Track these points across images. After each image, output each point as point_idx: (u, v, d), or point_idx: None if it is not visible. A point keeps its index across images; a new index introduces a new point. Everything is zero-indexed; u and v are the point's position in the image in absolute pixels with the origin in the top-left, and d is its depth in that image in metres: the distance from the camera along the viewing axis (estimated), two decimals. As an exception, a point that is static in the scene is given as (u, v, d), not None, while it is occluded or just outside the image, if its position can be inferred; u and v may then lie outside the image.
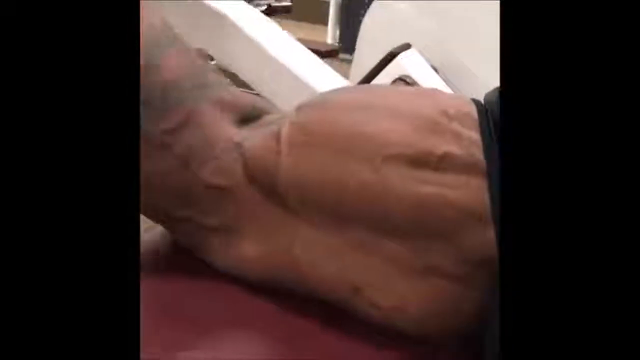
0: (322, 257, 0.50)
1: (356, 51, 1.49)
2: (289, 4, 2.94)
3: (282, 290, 0.52)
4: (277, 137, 0.51)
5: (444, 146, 0.48)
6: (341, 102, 0.53)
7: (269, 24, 1.24)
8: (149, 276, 0.51)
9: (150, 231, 0.58)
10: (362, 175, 0.48)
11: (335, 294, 0.50)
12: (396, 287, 0.49)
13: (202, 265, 0.54)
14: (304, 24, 3.84)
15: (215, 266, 0.54)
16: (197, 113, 0.52)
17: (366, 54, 1.39)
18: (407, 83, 1.13)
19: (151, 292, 0.48)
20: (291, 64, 1.10)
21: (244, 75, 1.20)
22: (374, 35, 1.42)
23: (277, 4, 2.85)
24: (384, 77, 1.16)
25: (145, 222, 0.49)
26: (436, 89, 0.65)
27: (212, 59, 1.15)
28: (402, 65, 1.17)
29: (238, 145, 0.53)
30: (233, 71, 1.19)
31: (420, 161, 0.48)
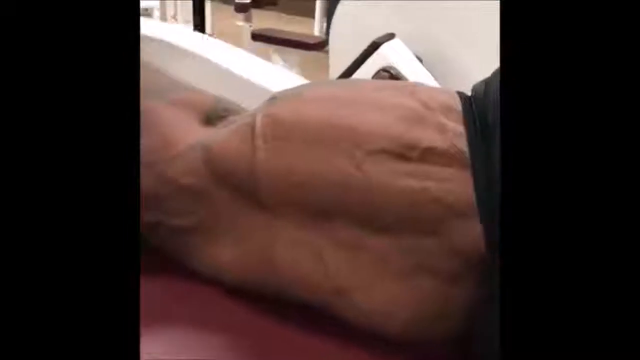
0: (303, 257, 0.48)
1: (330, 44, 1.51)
2: (275, -5, 2.93)
3: (261, 294, 0.50)
4: (251, 130, 0.49)
5: (428, 138, 0.47)
6: (319, 96, 0.51)
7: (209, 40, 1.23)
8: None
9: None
10: (345, 169, 0.46)
11: (317, 296, 0.48)
12: (382, 289, 0.47)
13: (178, 268, 0.52)
14: (292, 17, 3.85)
15: (191, 268, 0.52)
16: (152, 112, 0.50)
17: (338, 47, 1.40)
18: (392, 75, 1.11)
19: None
20: (237, 69, 1.08)
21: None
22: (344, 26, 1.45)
23: (262, -5, 2.84)
24: (368, 68, 1.13)
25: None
26: (418, 83, 0.63)
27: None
28: (385, 55, 1.15)
29: (203, 144, 0.51)
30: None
31: (404, 154, 0.46)
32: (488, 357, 0.43)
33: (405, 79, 1.11)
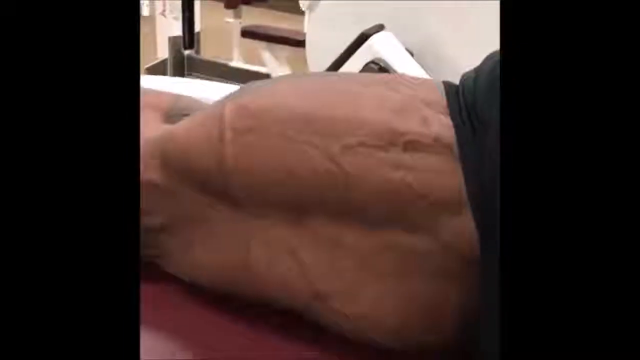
0: (280, 258, 0.44)
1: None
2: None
3: (237, 298, 0.47)
4: (219, 122, 0.45)
5: (412, 129, 0.43)
6: (293, 87, 0.48)
7: None
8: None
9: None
10: (322, 163, 0.43)
11: (296, 300, 0.45)
12: (367, 291, 0.43)
13: (150, 270, 0.49)
14: (282, 14, 3.87)
15: (163, 270, 0.50)
16: None
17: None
18: (381, 67, 1.08)
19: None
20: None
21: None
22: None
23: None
24: (356, 60, 1.10)
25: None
26: (403, 74, 0.60)
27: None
28: (374, 47, 1.12)
29: (163, 137, 0.47)
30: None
31: (385, 147, 0.43)
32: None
33: (395, 72, 1.08)
